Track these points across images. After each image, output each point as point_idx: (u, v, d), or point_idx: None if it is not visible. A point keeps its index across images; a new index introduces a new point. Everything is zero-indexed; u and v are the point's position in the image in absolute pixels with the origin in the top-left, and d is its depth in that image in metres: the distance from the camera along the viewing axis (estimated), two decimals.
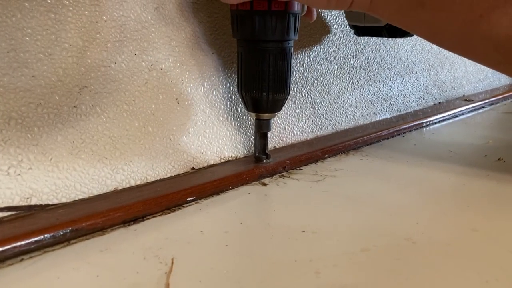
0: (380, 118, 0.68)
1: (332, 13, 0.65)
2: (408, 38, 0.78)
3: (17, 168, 0.34)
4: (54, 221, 0.32)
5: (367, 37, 0.70)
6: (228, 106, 0.50)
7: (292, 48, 0.43)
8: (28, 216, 0.34)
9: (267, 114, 0.45)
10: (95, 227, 0.33)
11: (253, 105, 0.44)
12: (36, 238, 0.31)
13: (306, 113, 0.58)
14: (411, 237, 0.33)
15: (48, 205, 0.35)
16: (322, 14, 0.63)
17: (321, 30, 0.63)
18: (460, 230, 0.35)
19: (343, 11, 0.64)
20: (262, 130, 0.46)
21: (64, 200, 0.36)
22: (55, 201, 0.36)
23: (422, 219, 0.37)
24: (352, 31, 0.64)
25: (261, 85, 0.43)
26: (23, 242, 0.30)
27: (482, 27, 0.34)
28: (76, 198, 0.37)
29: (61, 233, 0.32)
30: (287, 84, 0.44)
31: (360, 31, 0.62)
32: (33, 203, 0.35)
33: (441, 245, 0.32)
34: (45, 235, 0.31)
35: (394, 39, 0.75)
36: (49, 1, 0.37)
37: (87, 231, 0.33)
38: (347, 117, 0.64)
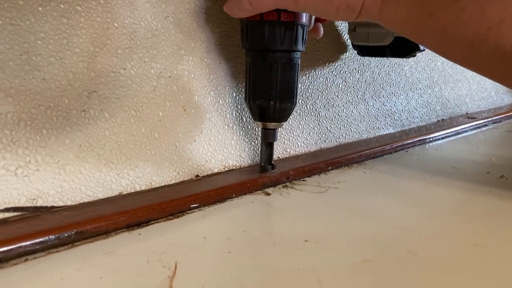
0: (384, 133, 0.69)
1: (339, 27, 0.66)
2: None
3: (24, 169, 0.35)
4: (59, 223, 0.33)
5: None
6: (234, 115, 0.50)
7: (300, 60, 0.44)
8: (34, 217, 0.34)
9: (273, 123, 0.45)
10: (99, 230, 0.34)
11: (260, 114, 0.45)
12: (41, 239, 0.31)
13: (311, 125, 0.59)
14: (413, 250, 0.33)
15: (53, 207, 0.36)
16: (329, 29, 0.64)
17: (327, 44, 0.64)
18: (462, 245, 0.35)
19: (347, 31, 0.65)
20: (268, 140, 0.46)
21: (69, 203, 0.37)
22: (61, 203, 0.36)
23: (424, 232, 0.37)
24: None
25: (269, 93, 0.43)
26: (28, 243, 0.30)
27: (489, 39, 0.35)
28: (82, 201, 0.37)
29: (66, 235, 0.32)
30: (294, 94, 0.44)
31: (364, 51, 0.64)
32: (39, 204, 0.35)
33: (442, 259, 0.32)
34: (50, 237, 0.31)
35: None
36: (62, 7, 0.38)
37: (91, 233, 0.33)
38: (351, 130, 0.64)
